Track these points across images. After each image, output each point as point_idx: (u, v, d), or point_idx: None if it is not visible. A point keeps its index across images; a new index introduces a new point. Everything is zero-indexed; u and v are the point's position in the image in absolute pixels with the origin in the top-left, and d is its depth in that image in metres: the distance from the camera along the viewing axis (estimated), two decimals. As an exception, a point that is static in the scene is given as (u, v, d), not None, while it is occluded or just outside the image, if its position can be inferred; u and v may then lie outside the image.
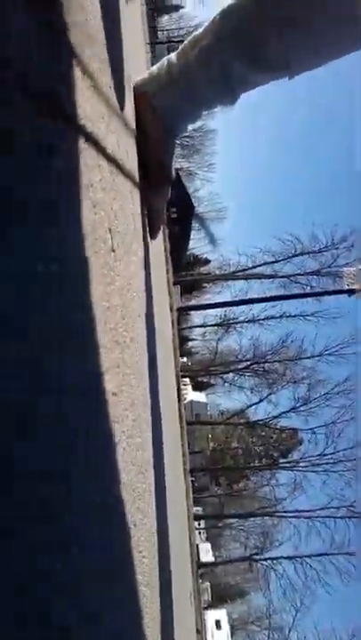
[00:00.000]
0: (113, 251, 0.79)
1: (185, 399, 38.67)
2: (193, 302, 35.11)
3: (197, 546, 37.96)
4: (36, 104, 0.45)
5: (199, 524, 40.12)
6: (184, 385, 38.58)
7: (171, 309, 6.16)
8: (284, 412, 32.34)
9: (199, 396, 41.03)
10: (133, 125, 1.30)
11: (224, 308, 32.60)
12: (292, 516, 30.68)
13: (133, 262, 1.06)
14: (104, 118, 0.81)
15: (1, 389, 0.32)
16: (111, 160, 0.84)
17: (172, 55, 1.33)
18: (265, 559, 31.73)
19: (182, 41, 1.38)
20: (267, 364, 32.67)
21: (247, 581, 37.37)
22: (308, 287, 30.27)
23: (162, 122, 1.36)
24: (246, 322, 33.45)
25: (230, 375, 34.75)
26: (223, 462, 35.28)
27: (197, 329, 38.44)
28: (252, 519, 33.49)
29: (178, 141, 1.50)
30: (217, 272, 36.74)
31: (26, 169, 0.41)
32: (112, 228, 0.80)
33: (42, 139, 0.46)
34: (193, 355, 39.83)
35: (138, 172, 1.30)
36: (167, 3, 39.48)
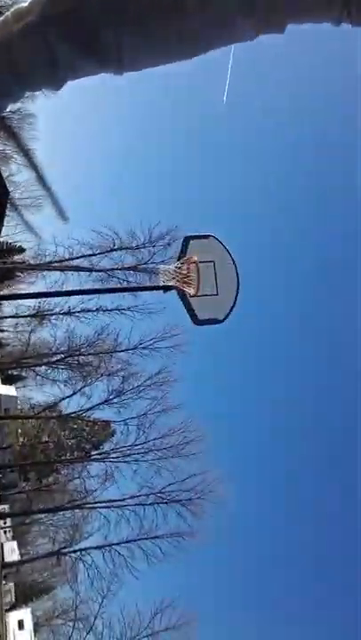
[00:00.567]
0: None
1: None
2: (5, 292, 33.35)
3: (2, 545, 36.39)
4: None
5: (5, 523, 38.42)
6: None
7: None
8: (97, 405, 32.54)
9: (9, 390, 39.16)
10: None
11: (38, 299, 31.58)
12: (102, 507, 31.08)
13: None
14: None
15: None
16: None
17: None
18: (73, 551, 31.63)
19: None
20: (81, 357, 32.47)
21: (54, 576, 36.92)
22: (125, 282, 30.75)
23: None
24: (62, 314, 32.74)
25: (43, 368, 33.79)
26: (33, 457, 34.24)
27: (9, 320, 36.53)
28: (61, 513, 33.12)
29: None
30: (32, 262, 35.28)
31: None
32: None
33: None
34: (3, 346, 37.85)
35: None
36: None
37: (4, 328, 38.10)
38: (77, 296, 29.70)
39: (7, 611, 36.63)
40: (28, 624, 36.74)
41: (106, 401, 32.38)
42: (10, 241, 37.44)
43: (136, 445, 31.30)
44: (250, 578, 52.12)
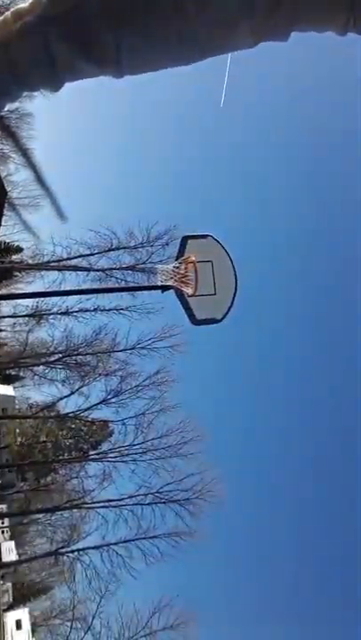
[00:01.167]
0: None
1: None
2: (3, 291, 33.31)
3: None
4: None
5: (2, 523, 38.41)
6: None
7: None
8: (95, 405, 32.54)
9: (6, 390, 39.14)
10: None
11: (36, 299, 31.55)
12: (100, 507, 31.09)
13: None
14: None
15: None
16: None
17: None
18: (71, 551, 31.62)
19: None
20: (79, 357, 32.48)
21: (52, 576, 36.91)
22: (123, 282, 30.76)
23: None
24: (60, 314, 32.73)
25: (41, 368, 33.77)
26: (31, 457, 34.22)
27: (7, 319, 36.50)
28: (59, 513, 33.10)
29: None
30: (30, 261, 35.23)
31: None
32: None
33: None
34: (1, 346, 37.81)
35: None
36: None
37: (2, 328, 38.08)
38: (75, 296, 29.68)
39: (5, 611, 36.65)
40: (26, 624, 36.75)
41: (104, 401, 32.42)
42: (8, 240, 37.42)
43: (134, 445, 31.34)
44: (250, 578, 52.15)
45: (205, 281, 9.35)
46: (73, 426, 34.28)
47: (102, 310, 32.06)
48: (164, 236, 31.09)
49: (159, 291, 10.28)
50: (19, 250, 37.62)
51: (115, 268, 31.24)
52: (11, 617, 36.88)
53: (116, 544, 30.01)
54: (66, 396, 33.11)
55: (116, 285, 30.20)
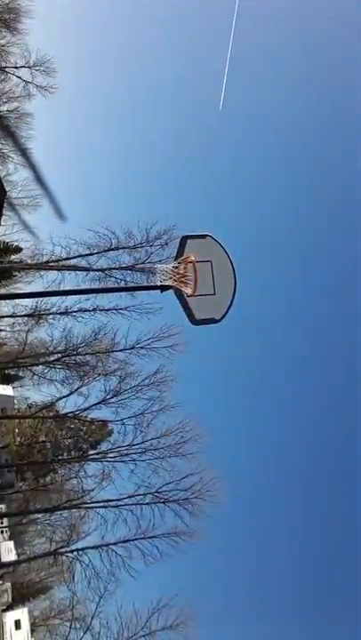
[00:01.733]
0: None
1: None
2: (2, 291, 33.28)
3: (-1, 545, 36.35)
4: None
5: (2, 523, 38.38)
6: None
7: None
8: (94, 404, 32.50)
9: (6, 389, 39.11)
10: None
11: (36, 299, 31.51)
12: (99, 507, 31.07)
13: None
14: None
15: None
16: None
17: None
18: (70, 551, 31.60)
19: None
20: (79, 357, 32.45)
21: (52, 576, 36.90)
22: (123, 282, 30.70)
23: None
24: (59, 313, 32.69)
25: (40, 367, 33.73)
26: (30, 457, 34.20)
27: (6, 319, 36.48)
28: (58, 513, 33.08)
29: None
30: (29, 261, 35.18)
31: None
32: None
33: None
34: (0, 346, 37.81)
35: None
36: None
37: (2, 327, 38.10)
38: (75, 296, 29.55)
39: (4, 610, 36.61)
40: (25, 624, 36.71)
41: (103, 401, 32.37)
42: (7, 240, 37.43)
43: (133, 445, 31.32)
44: (249, 577, 52.17)
45: (205, 281, 9.34)
46: (72, 426, 34.26)
47: (101, 310, 32.05)
48: (163, 236, 31.11)
49: (158, 291, 10.25)
50: (18, 250, 37.65)
51: (114, 268, 31.19)
52: (10, 617, 36.84)
53: (115, 544, 30.00)
54: (65, 396, 33.13)
55: (116, 285, 30.15)
